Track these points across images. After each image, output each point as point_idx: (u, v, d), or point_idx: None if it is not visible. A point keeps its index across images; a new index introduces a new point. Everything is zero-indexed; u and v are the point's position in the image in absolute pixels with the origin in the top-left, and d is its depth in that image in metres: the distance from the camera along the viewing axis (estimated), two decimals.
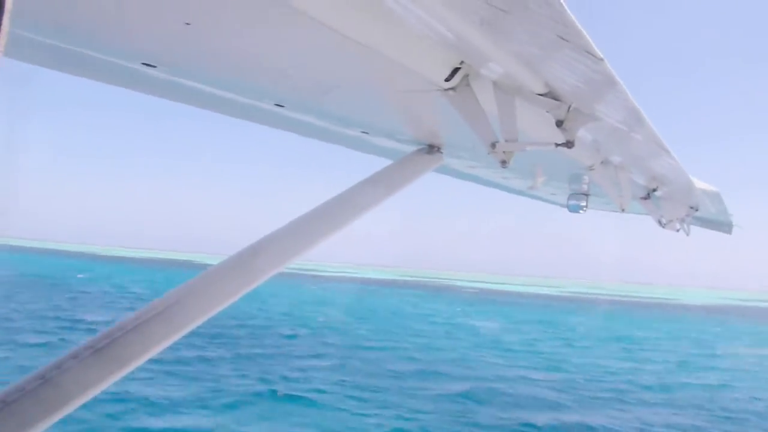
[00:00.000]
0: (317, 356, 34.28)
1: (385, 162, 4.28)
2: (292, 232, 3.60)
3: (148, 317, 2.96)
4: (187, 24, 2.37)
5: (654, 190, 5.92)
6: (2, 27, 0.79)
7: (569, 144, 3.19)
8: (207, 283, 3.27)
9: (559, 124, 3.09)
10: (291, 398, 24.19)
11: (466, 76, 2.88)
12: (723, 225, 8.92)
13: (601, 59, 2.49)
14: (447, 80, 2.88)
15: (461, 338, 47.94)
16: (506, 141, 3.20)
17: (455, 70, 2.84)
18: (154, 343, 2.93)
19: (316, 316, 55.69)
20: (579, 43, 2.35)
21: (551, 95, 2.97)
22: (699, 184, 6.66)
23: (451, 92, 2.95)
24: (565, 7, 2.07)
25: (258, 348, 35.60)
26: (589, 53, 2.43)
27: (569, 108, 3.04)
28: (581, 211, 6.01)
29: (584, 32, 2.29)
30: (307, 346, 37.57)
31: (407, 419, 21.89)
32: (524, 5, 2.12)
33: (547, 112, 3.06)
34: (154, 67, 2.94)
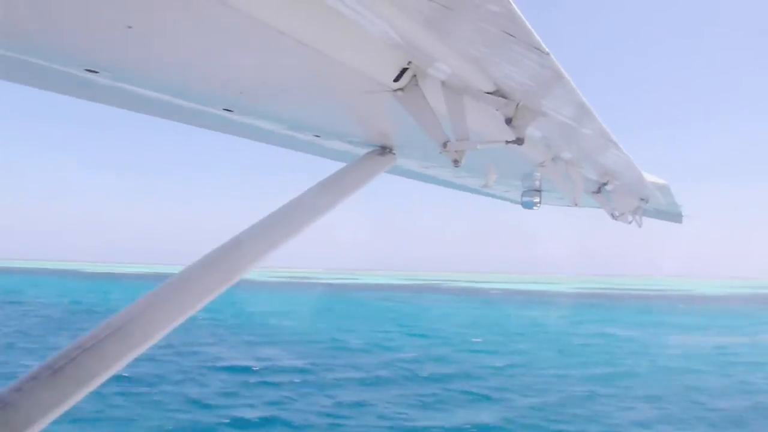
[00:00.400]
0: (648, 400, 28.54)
1: (339, 165, 4.26)
2: (245, 243, 3.53)
3: (107, 334, 2.88)
4: (129, 27, 2.31)
5: (605, 184, 6.01)
6: None
7: (519, 141, 3.21)
8: (162, 296, 3.20)
9: (509, 121, 3.11)
10: None
11: (414, 76, 2.88)
12: (673, 215, 9.16)
13: (548, 54, 2.50)
14: (395, 81, 2.87)
15: (667, 355, 42.09)
16: (457, 140, 3.21)
17: (403, 71, 2.83)
18: (116, 360, 2.86)
19: (479, 337, 50.21)
20: (525, 39, 2.36)
21: (499, 93, 2.99)
22: (648, 177, 6.79)
23: (400, 93, 2.95)
24: (511, 1, 2.08)
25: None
26: (536, 48, 2.45)
27: (518, 105, 3.07)
28: (535, 208, 6.08)
29: (530, 27, 2.30)
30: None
31: None
32: (469, 1, 2.12)
33: (497, 110, 3.07)
34: (97, 72, 2.86)
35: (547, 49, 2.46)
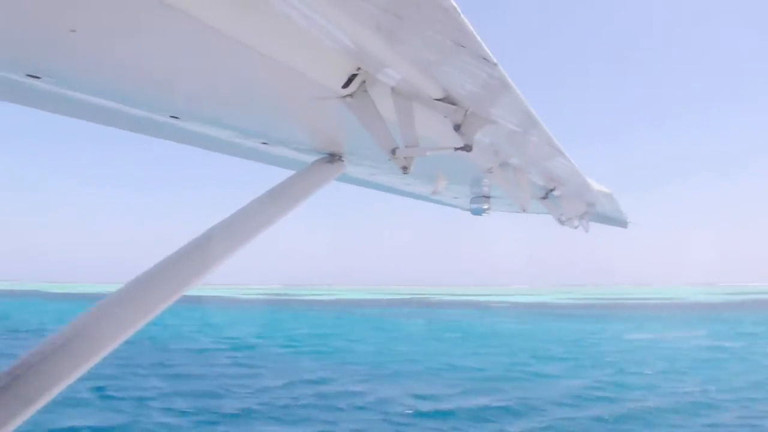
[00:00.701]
0: None
1: (288, 173, 4.23)
2: (194, 253, 3.48)
3: (51, 350, 2.81)
4: (73, 31, 2.26)
5: (552, 189, 6.11)
6: None
7: (467, 148, 3.24)
8: (110, 308, 3.13)
9: (457, 128, 3.14)
10: None
11: (363, 82, 2.88)
12: (618, 221, 9.37)
13: (495, 64, 2.53)
14: (344, 87, 2.87)
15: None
16: (406, 147, 3.22)
17: (352, 77, 2.83)
18: (60, 377, 2.78)
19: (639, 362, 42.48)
20: (473, 48, 2.39)
21: (448, 100, 3.01)
22: (594, 185, 6.94)
23: (349, 99, 2.94)
24: (459, 12, 2.10)
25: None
26: (484, 59, 2.48)
27: (466, 112, 3.09)
28: (484, 214, 6.14)
29: (478, 37, 2.32)
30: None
31: None
32: (419, 10, 2.13)
33: (445, 116, 3.09)
34: (39, 78, 2.79)
35: (494, 60, 2.49)
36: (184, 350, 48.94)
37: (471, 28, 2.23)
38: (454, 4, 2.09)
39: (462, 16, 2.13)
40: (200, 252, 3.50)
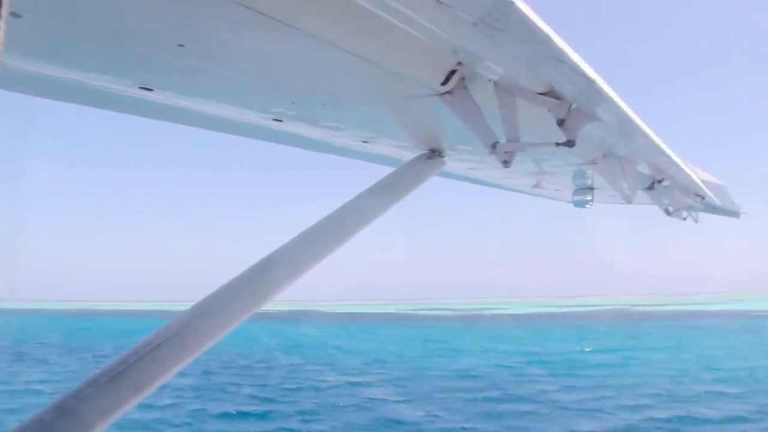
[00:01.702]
0: None
1: (388, 170, 4.28)
2: (300, 247, 3.58)
3: (161, 341, 2.94)
4: (181, 45, 2.38)
5: (659, 180, 5.90)
6: None
7: (570, 143, 3.18)
8: (217, 302, 3.25)
9: (561, 123, 3.08)
10: None
11: (462, 78, 2.87)
12: (730, 212, 8.95)
13: (593, 81, 2.53)
14: (443, 84, 2.87)
15: None
16: (507, 141, 3.20)
17: (451, 74, 2.83)
18: (169, 366, 2.92)
19: None
20: (571, 65, 2.39)
21: (552, 94, 2.96)
22: (704, 175, 6.65)
23: (447, 96, 2.95)
24: (553, 38, 2.13)
25: None
26: (582, 75, 2.47)
27: (570, 107, 3.03)
28: (587, 206, 6.01)
29: (575, 58, 2.34)
30: None
31: None
32: (516, 32, 2.15)
33: (548, 111, 3.04)
34: (151, 90, 2.94)
35: (592, 77, 2.49)
36: None
37: (568, 51, 2.26)
38: (548, 31, 2.11)
39: (556, 42, 2.16)
40: (310, 244, 3.61)
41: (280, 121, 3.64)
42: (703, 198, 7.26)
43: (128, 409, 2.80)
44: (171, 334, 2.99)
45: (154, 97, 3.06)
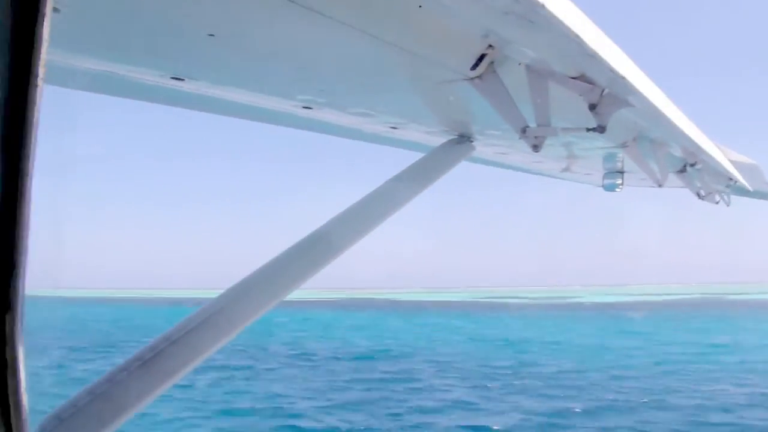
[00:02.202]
0: None
1: (416, 155, 4.28)
2: (330, 233, 3.61)
3: (192, 326, 2.99)
4: (211, 35, 2.41)
5: (692, 164, 5.84)
6: (41, 55, 0.82)
7: (600, 129, 3.16)
8: (247, 288, 3.29)
9: (592, 107, 3.06)
10: None
11: (492, 63, 2.86)
12: (763, 194, 8.81)
13: (624, 78, 2.52)
14: (473, 69, 2.87)
15: None
16: (538, 126, 3.19)
17: (480, 58, 2.82)
18: (200, 352, 2.97)
19: None
20: (601, 61, 2.41)
21: (584, 79, 2.94)
22: (736, 156, 6.55)
23: (477, 80, 2.95)
24: (586, 43, 2.15)
25: None
26: (612, 71, 2.47)
27: (603, 92, 3.01)
28: (617, 189, 5.96)
29: (606, 59, 2.36)
30: None
31: None
32: (545, 26, 2.17)
33: (580, 95, 3.02)
34: (182, 80, 2.98)
35: (622, 74, 2.49)
36: None
37: (599, 49, 2.28)
38: (579, 32, 2.12)
39: (588, 43, 2.18)
40: (342, 229, 3.64)
41: (309, 108, 3.66)
42: (735, 181, 7.17)
43: (160, 393, 2.85)
44: (202, 320, 3.03)
45: (186, 86, 3.09)
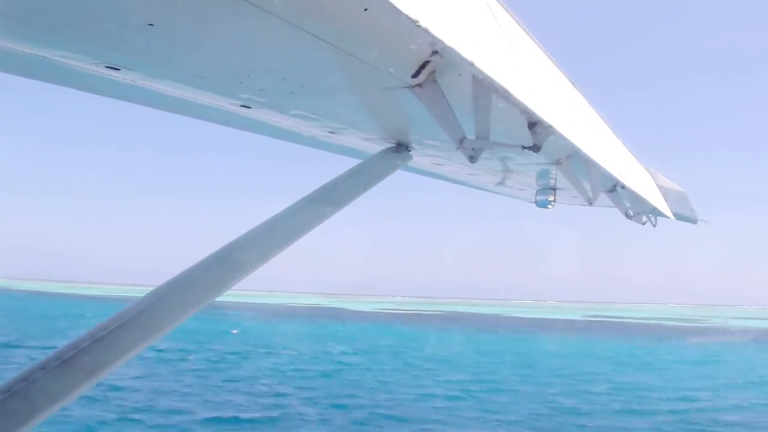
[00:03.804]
0: None
1: (353, 162, 4.27)
2: (260, 236, 3.56)
3: (114, 326, 2.90)
4: (150, 25, 2.34)
5: (620, 184, 6.00)
6: None
7: (535, 148, 3.22)
8: (174, 289, 3.22)
9: (531, 126, 3.10)
10: None
11: (433, 72, 2.87)
12: (688, 218, 9.14)
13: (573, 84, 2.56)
14: (414, 77, 2.87)
15: None
16: (477, 138, 3.21)
17: (422, 66, 2.83)
18: (122, 352, 2.89)
19: None
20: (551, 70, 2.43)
21: None
22: (664, 182, 6.76)
23: (417, 88, 2.95)
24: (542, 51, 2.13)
25: None
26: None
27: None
28: (549, 207, 6.07)
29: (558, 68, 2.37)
30: None
31: None
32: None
33: (521, 113, 3.06)
34: (118, 69, 2.89)
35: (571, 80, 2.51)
36: None
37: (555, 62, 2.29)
38: (537, 45, 2.13)
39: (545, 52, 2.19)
40: (275, 232, 3.59)
41: (248, 107, 3.61)
42: (663, 202, 7.40)
43: (79, 394, 2.75)
44: (126, 320, 2.94)
45: (121, 77, 3.01)
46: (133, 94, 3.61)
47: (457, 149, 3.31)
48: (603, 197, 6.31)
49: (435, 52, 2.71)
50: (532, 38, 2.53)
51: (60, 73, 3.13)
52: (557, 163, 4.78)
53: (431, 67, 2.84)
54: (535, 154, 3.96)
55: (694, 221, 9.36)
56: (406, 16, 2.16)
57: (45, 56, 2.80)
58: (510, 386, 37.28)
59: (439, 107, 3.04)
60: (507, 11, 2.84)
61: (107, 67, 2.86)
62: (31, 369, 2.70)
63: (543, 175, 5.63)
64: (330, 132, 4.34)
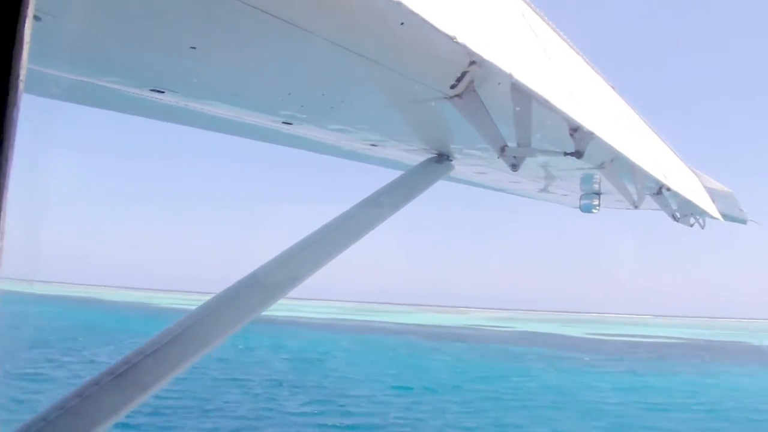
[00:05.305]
0: None
1: (395, 173, 4.29)
2: (307, 249, 3.60)
3: (165, 341, 2.96)
4: (193, 48, 2.40)
5: (666, 186, 5.91)
6: (21, 63, 0.80)
7: (578, 154, 3.19)
8: (222, 303, 3.26)
9: (573, 132, 3.08)
10: None
11: (472, 81, 2.87)
12: (737, 219, 8.95)
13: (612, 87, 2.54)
14: (452, 87, 2.88)
15: None
16: (517, 146, 3.20)
17: (461, 76, 2.83)
18: (173, 367, 2.94)
19: None
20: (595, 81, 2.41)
21: None
22: (712, 183, 6.63)
23: (456, 99, 2.95)
24: (582, 57, 2.13)
25: None
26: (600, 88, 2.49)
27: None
28: (594, 211, 6.00)
29: (597, 72, 2.36)
30: None
31: None
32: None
33: (562, 119, 3.04)
34: (162, 92, 2.96)
35: (611, 84, 2.49)
36: None
37: (593, 67, 2.28)
38: (574, 51, 2.12)
39: (583, 58, 2.18)
40: (322, 243, 3.62)
41: (290, 124, 3.66)
42: (711, 203, 7.26)
43: (132, 408, 2.80)
44: (176, 335, 3.00)
45: (165, 99, 3.08)
46: (177, 116, 3.70)
47: (498, 158, 3.30)
48: (649, 200, 6.21)
49: (473, 63, 2.72)
50: (569, 44, 2.52)
51: (107, 97, 3.22)
52: (600, 167, 4.73)
53: (470, 77, 2.84)
54: (577, 159, 3.93)
55: (743, 221, 9.16)
56: (443, 33, 2.17)
57: (93, 82, 2.88)
58: None
59: (479, 116, 3.04)
60: (543, 19, 2.83)
61: (152, 90, 2.94)
62: (85, 385, 2.75)
63: (586, 180, 5.57)
64: (371, 145, 4.37)
